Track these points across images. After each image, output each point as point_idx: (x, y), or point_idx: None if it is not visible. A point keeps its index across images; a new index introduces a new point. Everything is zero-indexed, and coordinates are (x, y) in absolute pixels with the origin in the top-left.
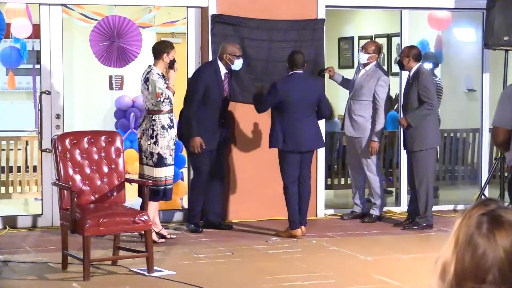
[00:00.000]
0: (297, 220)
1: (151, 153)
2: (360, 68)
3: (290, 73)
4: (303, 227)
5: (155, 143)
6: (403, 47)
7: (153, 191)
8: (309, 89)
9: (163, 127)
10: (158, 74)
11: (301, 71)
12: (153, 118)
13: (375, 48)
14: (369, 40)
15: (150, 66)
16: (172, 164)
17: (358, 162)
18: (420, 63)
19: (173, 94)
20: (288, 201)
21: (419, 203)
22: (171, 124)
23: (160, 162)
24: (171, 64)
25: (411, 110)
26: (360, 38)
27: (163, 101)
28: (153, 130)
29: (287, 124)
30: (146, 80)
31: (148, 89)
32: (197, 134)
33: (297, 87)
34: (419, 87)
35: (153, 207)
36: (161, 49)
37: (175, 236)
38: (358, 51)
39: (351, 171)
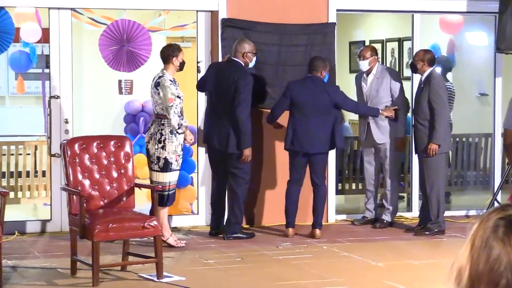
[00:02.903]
0: (289, 219)
1: (158, 158)
2: (365, 76)
3: (305, 76)
4: (317, 230)
5: (163, 147)
6: (415, 51)
7: (159, 196)
8: (317, 93)
9: (171, 131)
10: (171, 80)
11: (316, 75)
12: (162, 122)
13: (371, 52)
14: (362, 47)
15: (162, 70)
16: (177, 170)
17: (375, 168)
18: (432, 68)
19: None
20: (285, 200)
21: (431, 208)
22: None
23: (166, 167)
24: (182, 67)
25: (422, 113)
26: (371, 42)
27: (174, 108)
28: (161, 134)
29: (297, 125)
30: (157, 85)
31: (158, 93)
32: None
33: (306, 90)
34: (430, 91)
35: (162, 213)
36: (169, 53)
37: (183, 245)
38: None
39: (367, 177)
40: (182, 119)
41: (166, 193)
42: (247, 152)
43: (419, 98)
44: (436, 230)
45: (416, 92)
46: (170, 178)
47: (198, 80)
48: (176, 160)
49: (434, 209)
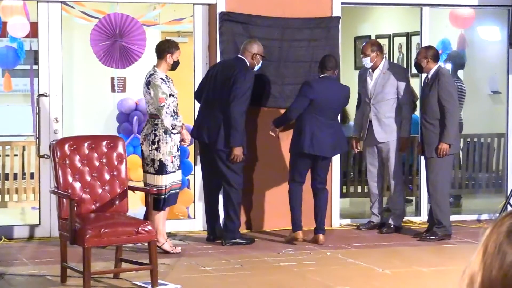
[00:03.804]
0: (299, 222)
1: (153, 160)
2: (370, 71)
3: (321, 75)
4: (321, 235)
5: (157, 149)
6: (422, 46)
7: (154, 200)
8: (337, 94)
9: (165, 132)
10: (162, 78)
11: (333, 76)
12: (156, 122)
13: (372, 47)
14: (364, 43)
15: (154, 67)
16: (174, 172)
17: (378, 169)
18: (439, 64)
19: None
20: (290, 202)
21: (434, 211)
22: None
23: (161, 169)
24: (175, 66)
25: (430, 112)
26: (378, 37)
27: (166, 108)
28: (155, 135)
29: (315, 127)
30: (148, 84)
31: (150, 93)
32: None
33: (326, 90)
34: (439, 89)
35: (157, 217)
36: (164, 48)
37: (179, 251)
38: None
39: (370, 179)
40: (176, 119)
41: (162, 196)
42: (237, 151)
43: (428, 97)
44: (442, 234)
45: (424, 91)
46: (166, 181)
47: (195, 91)
48: (172, 162)
49: (437, 212)
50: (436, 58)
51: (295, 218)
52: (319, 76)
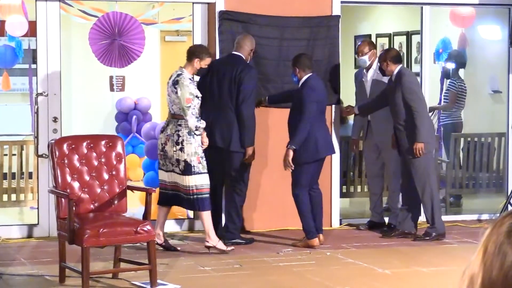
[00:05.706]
0: (313, 229)
1: (178, 160)
2: (364, 71)
3: (309, 75)
4: (321, 235)
5: (181, 149)
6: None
7: (188, 202)
8: (325, 91)
9: (189, 132)
10: (190, 78)
11: (314, 73)
12: (179, 123)
13: (369, 46)
14: (359, 43)
15: (181, 67)
16: (204, 172)
17: (378, 169)
18: (400, 65)
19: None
20: (302, 210)
21: (425, 212)
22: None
23: (188, 170)
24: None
25: (400, 114)
26: (378, 36)
27: (192, 109)
28: (179, 135)
29: (321, 129)
30: (175, 83)
31: (176, 92)
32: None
33: (321, 89)
34: (403, 89)
35: (204, 217)
36: (194, 52)
37: (179, 248)
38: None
39: (369, 179)
40: (199, 121)
41: (192, 197)
42: (250, 150)
43: (394, 99)
44: (435, 234)
45: (387, 93)
46: (195, 181)
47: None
48: (200, 162)
49: (429, 213)
50: (396, 59)
51: (310, 225)
52: (303, 75)
